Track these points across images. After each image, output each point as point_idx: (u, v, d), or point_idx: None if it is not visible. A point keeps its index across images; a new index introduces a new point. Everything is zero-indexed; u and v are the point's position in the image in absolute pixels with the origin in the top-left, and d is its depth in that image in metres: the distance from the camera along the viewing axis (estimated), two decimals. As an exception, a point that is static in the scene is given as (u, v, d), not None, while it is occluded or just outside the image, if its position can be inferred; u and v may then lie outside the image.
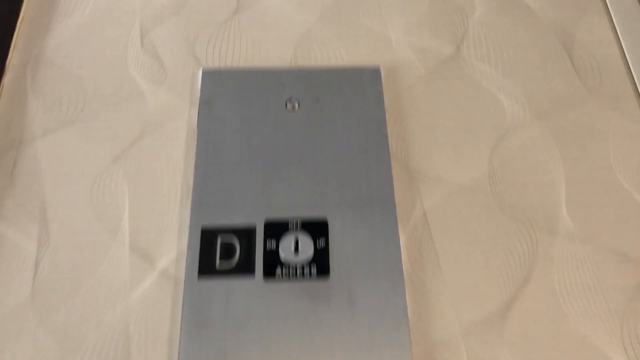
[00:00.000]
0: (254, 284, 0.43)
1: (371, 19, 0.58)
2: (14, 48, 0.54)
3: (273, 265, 0.44)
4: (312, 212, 0.46)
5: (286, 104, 0.51)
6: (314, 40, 0.56)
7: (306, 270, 0.44)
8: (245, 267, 0.44)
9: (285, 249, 0.44)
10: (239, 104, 0.51)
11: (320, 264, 0.44)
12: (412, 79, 0.54)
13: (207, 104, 0.51)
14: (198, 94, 0.52)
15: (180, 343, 0.41)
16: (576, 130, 0.52)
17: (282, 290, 0.43)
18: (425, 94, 0.53)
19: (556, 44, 0.56)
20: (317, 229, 0.45)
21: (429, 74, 0.54)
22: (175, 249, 0.45)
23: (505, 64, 0.55)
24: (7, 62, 0.53)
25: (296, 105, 0.51)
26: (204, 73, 0.52)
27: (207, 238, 0.45)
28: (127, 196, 0.47)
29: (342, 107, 0.51)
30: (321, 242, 0.45)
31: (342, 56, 0.55)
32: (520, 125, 0.51)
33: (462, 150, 0.50)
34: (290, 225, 0.45)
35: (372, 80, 0.53)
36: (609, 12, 0.59)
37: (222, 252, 0.44)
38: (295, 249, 0.44)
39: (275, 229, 0.45)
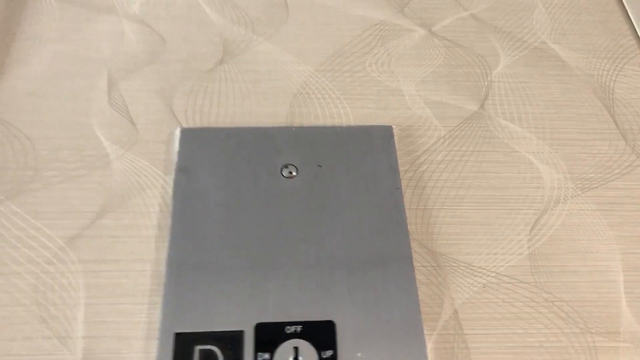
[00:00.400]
0: (242, 412, 0.33)
1: (380, 70, 0.49)
2: (-48, 102, 0.45)
3: (266, 385, 0.34)
4: (316, 313, 0.37)
5: (282, 171, 0.42)
6: (314, 95, 0.47)
7: (309, 392, 0.34)
8: (230, 388, 0.34)
9: (282, 361, 0.35)
10: (224, 172, 0.42)
11: (327, 382, 0.34)
12: (430, 140, 0.45)
13: (184, 171, 0.42)
14: (174, 159, 0.42)
15: None
16: (628, 202, 0.43)
17: (278, 420, 0.33)
18: (447, 160, 0.44)
19: (594, 101, 0.48)
20: (322, 335, 0.36)
21: (450, 134, 0.46)
22: (140, 362, 0.35)
23: (539, 124, 0.47)
24: (-58, 119, 0.44)
25: (294, 172, 0.42)
26: (182, 133, 0.43)
27: (182, 347, 0.35)
28: (82, 291, 0.37)
29: (348, 174, 0.42)
30: (327, 353, 0.35)
31: (347, 114, 0.46)
32: (562, 198, 0.43)
33: (496, 228, 0.41)
34: (287, 330, 0.36)
35: (383, 142, 0.44)
36: (653, 63, 0.51)
37: (201, 367, 0.34)
38: (295, 361, 0.35)
39: (269, 336, 0.36)
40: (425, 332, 0.37)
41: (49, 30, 0.50)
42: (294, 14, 0.52)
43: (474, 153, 0.45)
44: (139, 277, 0.38)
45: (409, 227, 0.41)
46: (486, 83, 0.49)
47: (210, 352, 0.35)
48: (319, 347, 0.35)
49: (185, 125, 0.45)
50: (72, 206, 0.41)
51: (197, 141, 0.43)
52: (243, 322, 0.36)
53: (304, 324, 0.36)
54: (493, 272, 0.39)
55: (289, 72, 0.49)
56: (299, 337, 0.36)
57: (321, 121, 0.46)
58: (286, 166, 0.43)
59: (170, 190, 0.41)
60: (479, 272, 0.39)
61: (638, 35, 0.53)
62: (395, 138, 0.45)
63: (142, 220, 0.40)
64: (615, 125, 0.47)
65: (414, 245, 0.40)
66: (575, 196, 0.43)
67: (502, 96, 0.48)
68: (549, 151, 0.45)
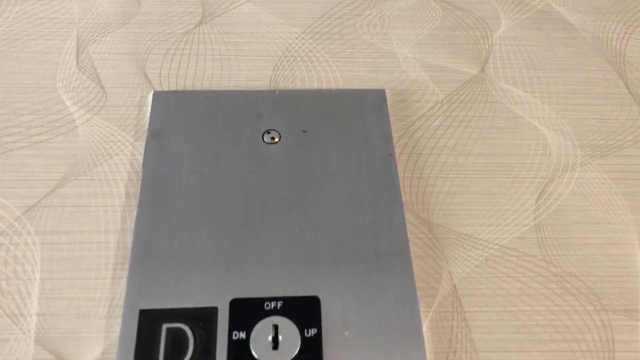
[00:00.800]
0: (214, 397, 0.29)
1: (372, 31, 0.45)
2: None
3: (242, 366, 0.30)
4: (299, 289, 0.33)
5: (263, 137, 0.38)
6: (300, 58, 0.43)
7: (290, 375, 0.30)
8: (201, 370, 0.30)
9: (260, 340, 0.31)
10: (200, 137, 0.38)
11: (310, 364, 0.30)
12: (427, 105, 0.41)
13: (157, 137, 0.38)
14: (146, 124, 0.39)
15: None
16: (643, 172, 0.39)
17: (254, 406, 0.29)
18: (445, 125, 0.40)
19: (604, 65, 0.44)
20: (305, 312, 0.32)
21: (449, 99, 0.42)
22: (102, 341, 0.31)
23: (544, 89, 0.43)
24: None
25: (276, 137, 0.38)
26: (154, 97, 0.39)
27: (148, 325, 0.31)
28: (39, 264, 0.33)
29: (336, 141, 0.38)
30: (311, 331, 0.31)
31: (336, 77, 0.42)
32: (570, 166, 0.39)
33: (499, 198, 0.37)
34: (266, 307, 0.32)
35: (375, 106, 0.40)
36: (668, 25, 0.48)
37: (169, 346, 0.31)
38: (274, 341, 0.31)
39: (246, 313, 0.32)
40: (421, 309, 0.33)
41: (14, -11, 0.46)
42: (279, -27, 0.48)
43: (474, 118, 0.41)
44: (102, 250, 0.34)
45: (403, 196, 0.37)
46: (487, 46, 0.45)
47: (180, 330, 0.31)
48: (302, 325, 0.31)
49: (158, 89, 0.41)
50: (32, 174, 0.37)
51: (171, 105, 0.40)
52: (217, 297, 0.32)
53: (285, 299, 0.32)
54: (496, 244, 0.36)
55: (273, 34, 0.45)
56: (279, 315, 0.32)
57: (307, 85, 0.42)
58: (268, 131, 0.39)
59: (140, 158, 0.38)
60: (481, 244, 0.35)
61: (650, -4, 0.49)
62: (389, 103, 0.41)
63: (108, 188, 0.36)
64: (627, 90, 0.43)
65: (408, 215, 0.36)
66: (584, 164, 0.39)
67: (504, 60, 0.44)
68: (555, 117, 0.41)
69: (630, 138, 0.41)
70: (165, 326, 0.31)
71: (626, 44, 0.46)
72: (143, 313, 0.31)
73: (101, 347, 0.31)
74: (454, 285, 0.34)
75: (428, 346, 0.32)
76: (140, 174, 0.36)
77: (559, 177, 0.38)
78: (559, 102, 0.42)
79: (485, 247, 0.35)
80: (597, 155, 0.40)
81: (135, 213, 0.35)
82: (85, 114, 0.39)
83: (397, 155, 0.39)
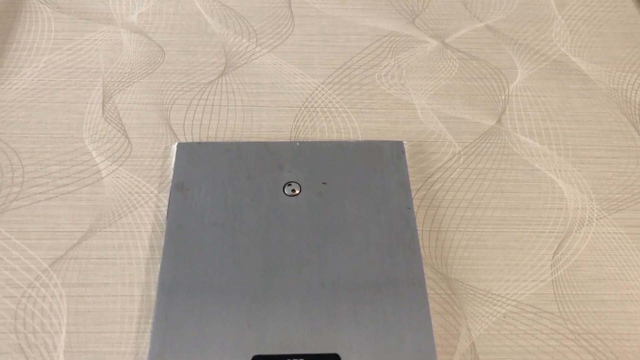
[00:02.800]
0: None
1: (390, 82, 0.46)
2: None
3: None
4: (319, 346, 0.33)
5: (284, 189, 0.39)
6: (320, 108, 0.44)
7: None
8: None
9: (281, 398, 0.31)
10: (222, 189, 0.39)
11: (331, 422, 0.31)
12: (444, 157, 0.42)
13: (180, 189, 0.39)
14: (170, 175, 0.40)
15: None
16: (659, 226, 0.40)
17: None
18: (463, 178, 0.41)
19: (619, 116, 0.45)
20: (326, 369, 0.32)
21: (466, 151, 0.43)
22: (125, 397, 0.32)
23: (560, 141, 0.43)
24: None
25: (297, 189, 0.39)
26: (178, 148, 0.40)
27: (172, 382, 0.32)
28: (65, 317, 0.34)
29: (355, 193, 0.39)
30: (332, 389, 0.32)
31: (355, 128, 0.43)
32: (587, 220, 0.39)
33: (516, 253, 0.38)
34: (288, 363, 0.33)
35: (393, 158, 0.41)
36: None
37: (192, 404, 0.31)
38: (296, 398, 0.31)
39: (268, 369, 0.32)
40: (440, 366, 0.33)
41: (43, 40, 0.47)
42: (299, 24, 0.49)
43: (491, 171, 0.42)
44: (127, 303, 0.35)
45: (421, 250, 0.38)
46: (503, 97, 0.46)
47: (203, 387, 0.32)
48: (323, 383, 0.32)
49: (182, 140, 0.42)
50: (59, 225, 0.38)
51: (194, 156, 0.41)
52: (239, 354, 0.33)
53: (307, 357, 0.33)
54: (514, 300, 0.36)
55: (293, 84, 0.46)
56: (301, 372, 0.32)
57: (327, 136, 0.43)
58: (289, 183, 0.40)
59: (164, 209, 0.39)
60: (498, 300, 0.36)
61: (665, 48, 0.50)
62: (407, 154, 0.42)
63: (132, 240, 0.37)
64: (642, 142, 0.44)
65: (427, 270, 0.37)
66: (601, 218, 0.40)
67: (521, 110, 0.45)
68: (571, 169, 0.42)
69: (646, 192, 0.41)
70: (188, 382, 0.32)
71: (641, 95, 0.47)
72: (167, 369, 0.32)
73: (125, 402, 0.32)
74: (473, 343, 0.34)
75: (447, 405, 0.32)
76: (164, 226, 0.37)
77: (576, 231, 0.39)
78: (575, 154, 0.43)
79: (503, 303, 0.36)
80: (613, 209, 0.40)
81: (159, 266, 0.36)
82: (110, 165, 0.41)
83: (415, 208, 0.39)
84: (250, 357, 0.33)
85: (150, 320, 0.34)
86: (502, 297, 0.36)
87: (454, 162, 0.42)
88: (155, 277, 0.36)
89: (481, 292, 0.36)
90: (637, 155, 0.43)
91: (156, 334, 0.33)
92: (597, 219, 0.40)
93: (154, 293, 0.35)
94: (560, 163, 0.42)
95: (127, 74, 0.46)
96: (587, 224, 0.39)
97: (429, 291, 0.36)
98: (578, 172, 0.42)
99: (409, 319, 0.34)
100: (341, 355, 0.33)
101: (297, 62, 0.47)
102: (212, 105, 0.44)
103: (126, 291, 0.35)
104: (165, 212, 0.38)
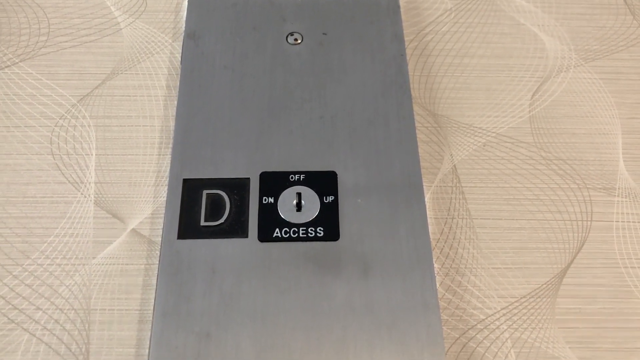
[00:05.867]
0: (247, 246, 0.35)
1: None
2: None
3: (270, 225, 0.36)
4: (318, 165, 0.38)
5: (287, 38, 0.43)
6: (321, -32, 0.47)
7: (311, 232, 0.35)
8: (236, 227, 0.35)
9: (286, 205, 0.36)
10: (231, 37, 0.42)
11: (328, 223, 0.36)
12: (436, 12, 0.45)
13: (192, 37, 0.42)
14: (182, 26, 0.43)
15: (153, 321, 0.32)
16: (632, 72, 0.43)
17: (281, 255, 0.35)
18: (453, 31, 0.44)
19: (604, -22, 0.48)
20: (324, 183, 0.37)
21: (457, 7, 0.46)
22: (150, 205, 0.37)
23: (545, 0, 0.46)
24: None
25: (299, 39, 0.43)
26: (189, 2, 0.44)
27: (190, 192, 0.36)
28: (95, 142, 0.39)
29: (354, 43, 0.43)
30: (329, 198, 0.36)
31: (354, -13, 0.46)
32: (565, 68, 0.43)
33: (498, 94, 0.42)
34: (291, 179, 0.37)
35: (389, 11, 0.44)
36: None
37: (208, 209, 0.36)
38: (298, 206, 0.36)
39: (273, 183, 0.37)
40: (425, 184, 0.38)
41: None
42: None
43: (480, 25, 0.45)
44: (149, 132, 0.39)
45: (412, 92, 0.42)
46: (495, -40, 0.49)
47: (218, 196, 0.36)
48: (321, 193, 0.37)
49: (193, -4, 0.45)
50: (84, 68, 0.42)
51: (204, 9, 0.44)
52: (248, 170, 0.37)
53: (307, 173, 0.37)
54: (493, 132, 0.40)
55: (296, -52, 0.48)
56: (302, 185, 0.37)
57: (328, -7, 0.46)
58: (292, 33, 0.43)
59: (178, 55, 0.42)
60: (480, 132, 0.40)
61: None
62: (402, 10, 0.45)
63: (151, 81, 0.41)
64: (623, 0, 0.47)
65: (416, 108, 0.41)
66: (578, 65, 0.43)
67: (510, -28, 0.48)
68: (554, 24, 0.45)
69: (622, 44, 0.45)
70: (205, 192, 0.36)
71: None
72: (186, 181, 0.37)
73: (150, 210, 0.37)
74: (454, 166, 0.39)
75: (429, 213, 0.37)
76: (179, 69, 0.41)
77: (554, 76, 0.43)
78: (559, 11, 0.46)
79: (484, 134, 0.40)
80: (590, 59, 0.44)
81: (175, 102, 0.40)
82: (128, 18, 0.44)
83: (408, 56, 0.43)
84: (259, 173, 0.37)
85: (170, 145, 0.39)
86: (483, 129, 0.40)
87: (445, 17, 0.45)
88: (172, 111, 0.40)
89: (464, 126, 0.40)
90: (617, 12, 0.46)
91: (175, 153, 0.37)
92: (574, 67, 0.43)
93: (172, 124, 0.39)
94: (543, 19, 0.45)
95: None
96: (564, 71, 0.43)
97: (417, 125, 0.40)
98: (560, 26, 0.45)
99: (398, 145, 0.38)
100: (338, 173, 0.37)
101: None
102: (220, -34, 0.47)
103: (147, 122, 0.40)
104: (180, 58, 0.42)
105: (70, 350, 0.32)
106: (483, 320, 0.34)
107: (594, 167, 0.39)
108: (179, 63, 0.42)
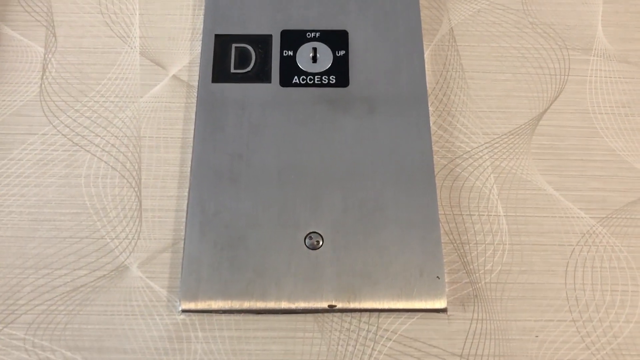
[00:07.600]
0: (270, 90, 0.41)
1: None
2: None
3: (290, 72, 0.42)
4: (332, 24, 0.43)
5: None
6: None
7: (324, 79, 0.42)
8: (261, 74, 0.42)
9: (303, 58, 0.42)
10: None
11: (339, 73, 0.42)
12: None
13: None
14: None
15: (193, 145, 0.39)
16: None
17: (299, 96, 0.41)
18: None
19: None
20: (337, 40, 0.43)
21: None
22: (187, 55, 0.43)
23: None
24: None
25: None
26: None
27: (221, 45, 0.43)
28: (138, 4, 0.44)
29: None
30: (341, 52, 0.42)
31: None
32: None
33: None
34: (307, 36, 0.43)
35: None
36: None
37: (237, 59, 0.42)
38: (313, 58, 0.42)
39: (293, 39, 0.43)
40: (425, 43, 0.44)
41: None
42: None
43: None
44: (184, -5, 0.45)
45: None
46: None
47: (245, 49, 0.42)
48: (334, 48, 0.43)
49: None
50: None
51: None
52: (271, 28, 0.43)
53: (322, 31, 0.43)
54: (487, 1, 0.45)
55: None
56: (318, 41, 0.43)
57: None
58: None
59: None
60: (475, 0, 0.45)
61: None
62: None
63: None
64: None
65: (420, -21, 0.46)
66: None
67: None
68: None
69: None
70: (234, 45, 0.42)
71: None
72: (218, 37, 0.43)
73: (187, 60, 0.43)
74: (451, 28, 0.44)
75: (428, 66, 0.43)
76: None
77: None
78: None
79: (478, 2, 0.45)
80: None
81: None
82: None
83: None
84: (279, 31, 0.43)
85: (202, 7, 0.44)
86: (479, -2, 0.45)
87: None
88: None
89: (462, -5, 0.46)
90: None
91: (208, 13, 0.43)
92: None
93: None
94: None
95: None
96: None
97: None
98: None
99: (402, 9, 0.44)
100: (349, 32, 0.43)
101: None
102: None
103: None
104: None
105: (126, 167, 0.39)
106: (469, 151, 0.40)
107: (575, 31, 0.44)
108: None
